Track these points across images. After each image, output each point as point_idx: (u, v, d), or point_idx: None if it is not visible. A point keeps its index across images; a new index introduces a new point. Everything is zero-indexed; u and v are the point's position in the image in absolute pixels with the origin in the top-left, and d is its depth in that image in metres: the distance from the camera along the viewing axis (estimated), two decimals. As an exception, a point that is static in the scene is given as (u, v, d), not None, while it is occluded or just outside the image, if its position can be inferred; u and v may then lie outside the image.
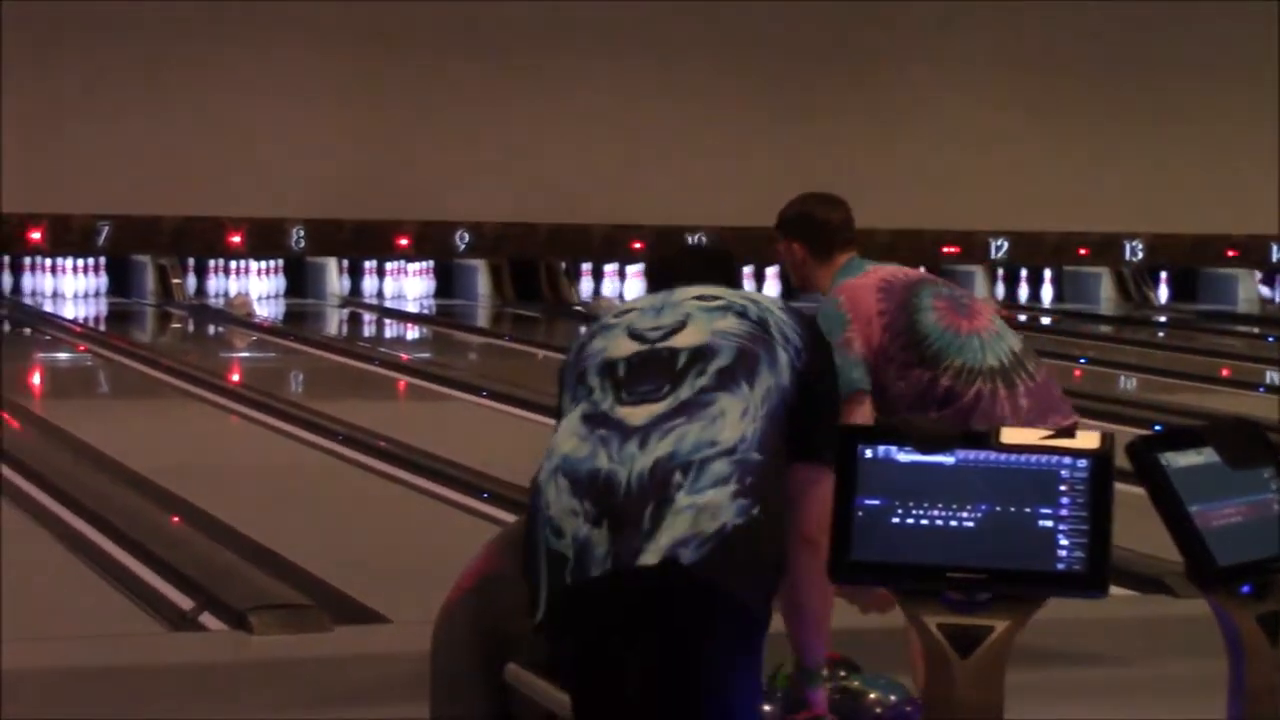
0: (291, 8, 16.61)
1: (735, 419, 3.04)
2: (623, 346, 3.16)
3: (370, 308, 17.87)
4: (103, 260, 16.91)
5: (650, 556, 2.92)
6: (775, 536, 3.02)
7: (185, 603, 6.10)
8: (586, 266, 18.83)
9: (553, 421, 3.29)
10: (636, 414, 3.06)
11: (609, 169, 17.44)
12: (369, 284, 18.25)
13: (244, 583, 6.22)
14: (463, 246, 17.66)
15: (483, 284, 18.51)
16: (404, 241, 17.42)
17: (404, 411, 12.07)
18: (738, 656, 3.01)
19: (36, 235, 16.15)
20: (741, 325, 3.15)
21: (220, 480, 8.55)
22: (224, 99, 16.41)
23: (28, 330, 15.66)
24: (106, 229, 16.33)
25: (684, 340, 3.14)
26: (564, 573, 2.97)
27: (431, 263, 18.41)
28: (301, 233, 17.03)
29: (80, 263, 16.83)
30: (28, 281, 16.77)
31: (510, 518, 7.37)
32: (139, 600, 6.23)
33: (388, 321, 17.41)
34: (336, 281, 18.05)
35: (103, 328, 15.82)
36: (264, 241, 16.85)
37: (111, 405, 12.11)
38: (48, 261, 16.73)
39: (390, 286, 18.29)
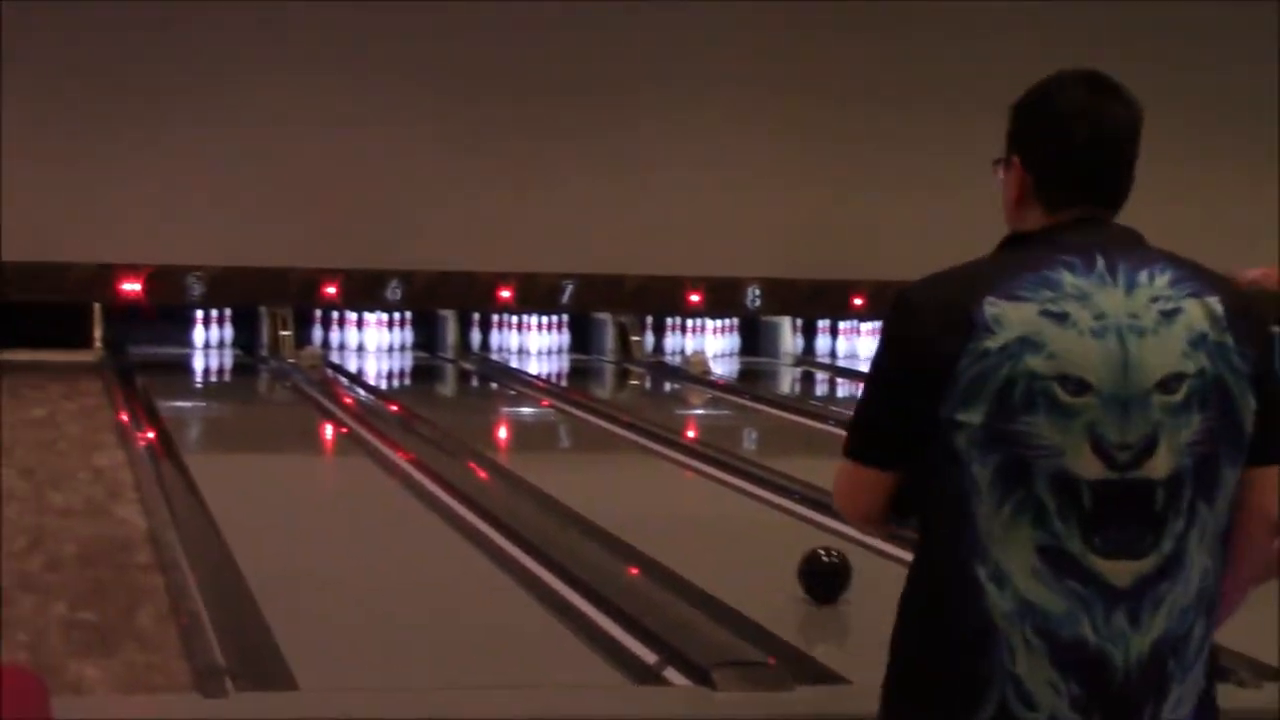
0: (748, 70, 16.82)
1: (1200, 553, 2.74)
2: (1087, 463, 2.68)
3: (824, 367, 17.93)
4: (565, 318, 17.38)
5: None
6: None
7: (649, 657, 6.20)
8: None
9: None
10: (1119, 572, 2.68)
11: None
12: (822, 343, 18.33)
13: (707, 638, 6.29)
14: (918, 307, 17.59)
15: (935, 344, 18.38)
16: (859, 301, 17.45)
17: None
18: None
19: (506, 294, 16.71)
20: (1205, 421, 2.73)
21: (678, 535, 8.67)
22: (685, 159, 16.71)
23: (494, 385, 16.22)
24: (571, 287, 16.79)
25: (1157, 468, 2.69)
26: None
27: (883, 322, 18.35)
28: (758, 292, 17.22)
29: (545, 320, 17.35)
30: (495, 338, 17.35)
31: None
32: (604, 652, 6.36)
33: (840, 381, 17.43)
34: (791, 340, 18.17)
35: (564, 383, 16.26)
36: (721, 300, 17.08)
37: (573, 459, 12.43)
38: (514, 319, 17.28)
39: (844, 346, 18.33)
